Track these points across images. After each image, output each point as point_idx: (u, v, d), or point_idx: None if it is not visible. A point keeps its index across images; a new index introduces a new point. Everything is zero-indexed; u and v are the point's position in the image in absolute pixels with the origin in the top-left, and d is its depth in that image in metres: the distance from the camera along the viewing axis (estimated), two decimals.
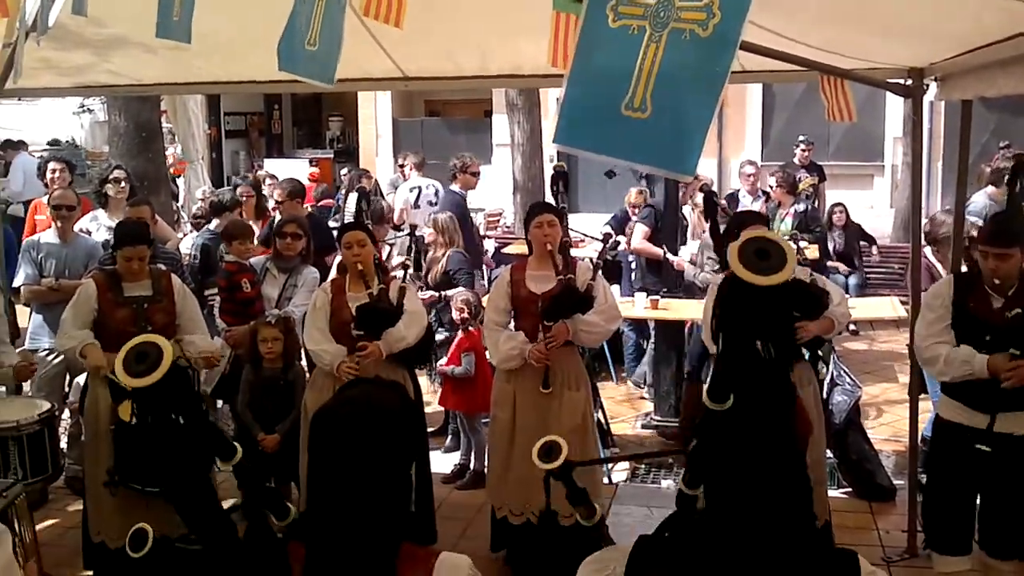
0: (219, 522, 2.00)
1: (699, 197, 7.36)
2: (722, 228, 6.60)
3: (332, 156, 18.82)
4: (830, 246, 9.58)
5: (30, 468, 4.39)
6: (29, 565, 1.95)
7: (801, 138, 10.76)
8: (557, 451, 2.28)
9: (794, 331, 4.04)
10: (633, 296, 7.01)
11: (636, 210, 8.04)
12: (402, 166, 10.56)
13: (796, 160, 10.66)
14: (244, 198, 7.50)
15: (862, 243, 10.15)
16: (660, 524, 1.88)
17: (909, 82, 4.68)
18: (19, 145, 13.21)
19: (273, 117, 20.49)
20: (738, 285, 1.80)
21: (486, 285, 7.24)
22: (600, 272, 4.88)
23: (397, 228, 8.71)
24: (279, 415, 4.95)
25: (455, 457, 6.18)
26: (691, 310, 6.82)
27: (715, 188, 9.40)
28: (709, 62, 2.03)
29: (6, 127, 14.58)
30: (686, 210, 7.95)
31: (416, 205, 8.98)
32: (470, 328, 5.92)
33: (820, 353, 5.00)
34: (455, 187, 8.09)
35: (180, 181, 12.60)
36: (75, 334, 4.62)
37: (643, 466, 6.25)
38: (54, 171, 7.52)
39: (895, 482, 5.66)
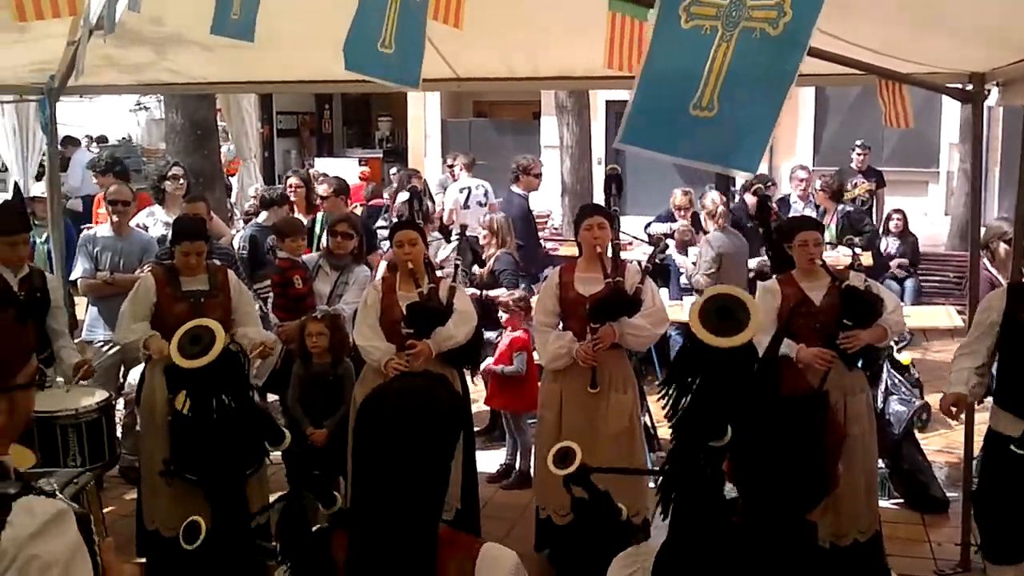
0: (240, 507, 2.03)
1: (708, 199, 7.33)
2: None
3: (381, 156, 18.97)
4: (883, 250, 9.40)
5: (88, 455, 4.49)
6: (107, 541, 1.97)
7: (858, 142, 10.60)
8: (572, 457, 2.30)
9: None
10: (681, 299, 6.98)
11: (681, 212, 7.99)
12: (451, 166, 10.60)
13: (854, 165, 10.51)
14: (294, 190, 7.54)
15: (901, 261, 9.80)
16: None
17: (970, 87, 4.61)
18: (78, 142, 13.51)
19: (324, 117, 20.69)
20: (698, 345, 1.78)
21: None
22: (649, 275, 4.88)
23: (444, 229, 8.75)
24: (328, 410, 5.00)
25: (501, 456, 6.20)
26: None
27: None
28: (778, 61, 2.03)
29: (66, 123, 14.91)
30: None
31: (466, 205, 9.02)
32: (524, 327, 5.96)
33: (879, 359, 4.95)
34: (517, 189, 8.11)
35: (233, 180, 12.77)
36: (136, 327, 4.71)
37: None
38: (94, 177, 7.77)
39: (948, 494, 5.56)
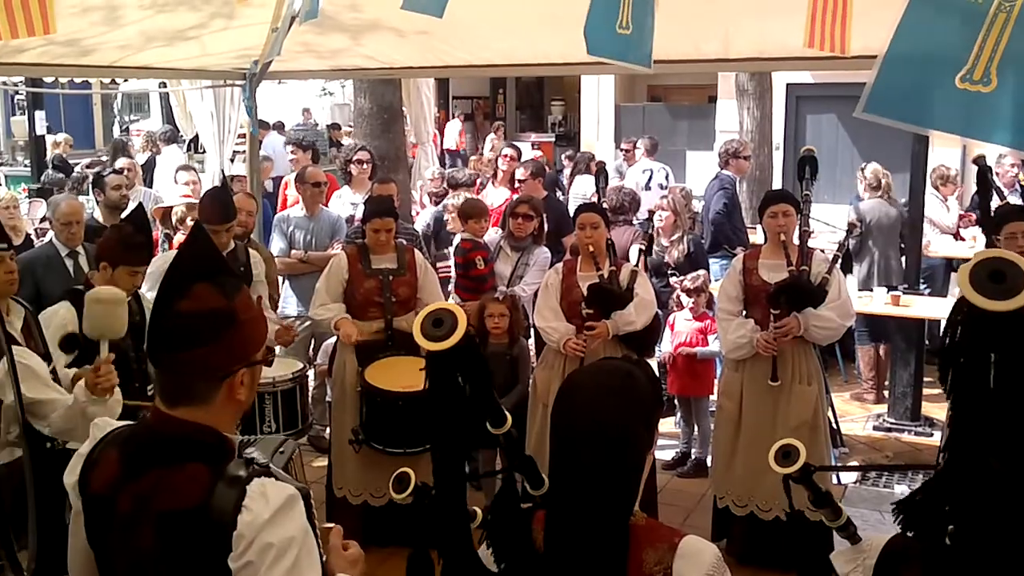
0: (461, 485, 2.08)
1: (868, 170, 7.18)
2: None
3: (553, 140, 19.07)
4: None
5: (283, 423, 4.73)
6: (335, 529, 2.04)
7: None
8: (795, 455, 2.22)
9: None
10: (872, 290, 6.68)
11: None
12: (626, 151, 10.56)
13: None
14: (508, 161, 7.68)
15: None
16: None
17: None
18: (269, 125, 14.24)
19: (498, 101, 20.98)
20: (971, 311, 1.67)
21: None
22: (838, 265, 4.69)
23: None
24: (504, 389, 5.09)
25: (675, 443, 6.14)
26: (934, 307, 6.44)
27: (958, 179, 8.80)
28: None
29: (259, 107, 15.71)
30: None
31: (647, 187, 8.98)
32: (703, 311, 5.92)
33: None
34: (728, 172, 8.01)
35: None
36: (331, 306, 4.90)
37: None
38: (295, 152, 8.11)
39: None
